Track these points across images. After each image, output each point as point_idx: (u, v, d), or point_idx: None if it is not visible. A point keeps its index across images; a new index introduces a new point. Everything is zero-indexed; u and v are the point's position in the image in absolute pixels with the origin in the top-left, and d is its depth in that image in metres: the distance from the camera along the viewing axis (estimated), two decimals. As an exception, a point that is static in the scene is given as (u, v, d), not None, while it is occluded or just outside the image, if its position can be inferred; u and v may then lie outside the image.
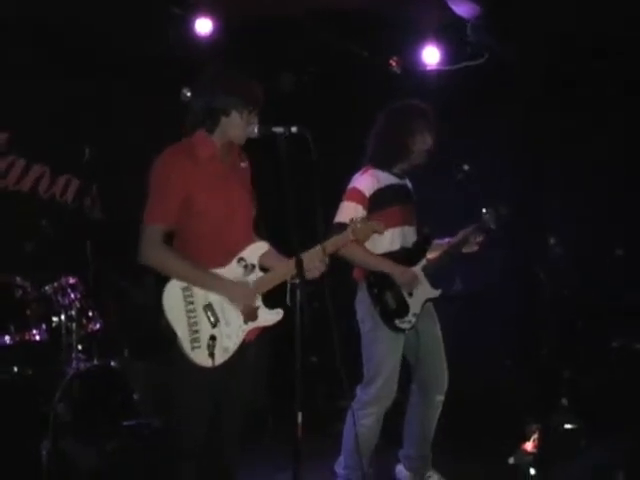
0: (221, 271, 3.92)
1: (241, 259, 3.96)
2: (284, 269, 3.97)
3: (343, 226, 4.62)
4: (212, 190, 3.93)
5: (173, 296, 3.82)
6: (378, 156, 5.10)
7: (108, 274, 6.04)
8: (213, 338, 3.80)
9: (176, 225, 3.92)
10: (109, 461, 5.14)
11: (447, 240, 5.21)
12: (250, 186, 4.15)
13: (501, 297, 7.15)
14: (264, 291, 3.99)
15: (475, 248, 5.18)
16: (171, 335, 3.78)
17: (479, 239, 5.15)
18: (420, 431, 5.20)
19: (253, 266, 3.98)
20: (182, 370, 3.84)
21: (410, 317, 4.97)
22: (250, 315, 3.93)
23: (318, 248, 3.97)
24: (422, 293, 5.04)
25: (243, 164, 4.17)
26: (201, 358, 3.79)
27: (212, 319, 3.85)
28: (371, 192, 4.97)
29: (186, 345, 3.78)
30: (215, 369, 3.81)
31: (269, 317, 4.00)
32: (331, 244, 4.11)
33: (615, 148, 6.95)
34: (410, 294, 4.98)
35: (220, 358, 3.83)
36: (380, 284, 4.95)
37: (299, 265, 3.74)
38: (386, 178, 5.05)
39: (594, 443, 6.06)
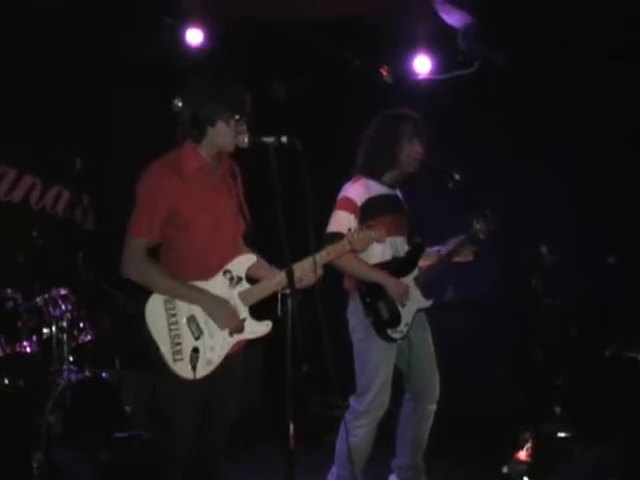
0: (206, 284, 3.91)
1: (227, 271, 3.94)
2: (273, 281, 3.96)
3: (336, 236, 4.65)
4: (198, 203, 3.90)
5: (155, 308, 3.82)
6: (367, 165, 5.09)
7: (99, 285, 6.03)
8: (196, 350, 3.78)
9: (161, 238, 3.91)
10: (101, 473, 5.12)
11: (437, 248, 5.21)
12: (241, 197, 4.12)
13: (494, 305, 7.14)
14: (252, 303, 3.97)
15: (470, 258, 5.18)
16: (154, 347, 3.78)
17: (473, 248, 5.15)
18: (413, 440, 5.19)
19: (240, 278, 3.96)
20: (167, 380, 3.82)
21: (402, 327, 4.96)
22: (236, 328, 3.91)
23: (310, 258, 3.95)
24: (414, 303, 5.04)
25: (234, 175, 4.14)
26: (183, 370, 3.78)
27: (195, 331, 3.84)
28: (362, 201, 4.96)
29: (168, 357, 3.77)
30: (200, 380, 3.80)
31: (257, 329, 3.97)
32: (325, 254, 4.10)
33: (608, 156, 6.96)
34: (403, 304, 4.97)
35: (203, 371, 3.81)
36: (373, 294, 4.94)
37: (290, 276, 3.72)
38: (377, 188, 5.04)
39: (587, 451, 6.05)
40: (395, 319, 4.95)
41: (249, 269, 4.02)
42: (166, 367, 3.77)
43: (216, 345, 3.87)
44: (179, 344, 3.79)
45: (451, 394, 5.20)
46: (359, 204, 4.95)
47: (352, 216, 4.92)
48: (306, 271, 3.94)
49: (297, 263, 3.92)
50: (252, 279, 4.03)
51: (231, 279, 3.95)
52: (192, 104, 3.96)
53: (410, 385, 5.15)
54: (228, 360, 3.91)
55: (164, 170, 3.89)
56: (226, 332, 3.89)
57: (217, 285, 3.93)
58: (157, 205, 3.85)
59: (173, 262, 3.89)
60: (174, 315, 3.82)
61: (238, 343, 3.96)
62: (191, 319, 3.84)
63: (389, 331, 4.93)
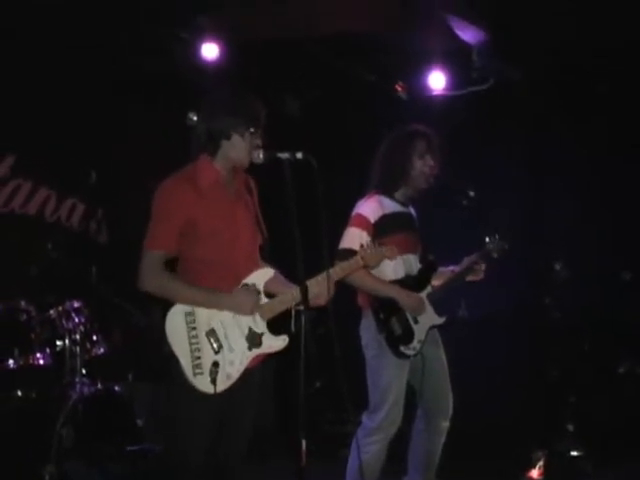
0: None
1: (245, 285, 3.94)
2: (289, 296, 3.94)
3: (348, 252, 4.67)
4: (214, 216, 3.90)
5: (176, 322, 3.80)
6: (381, 182, 5.09)
7: (113, 298, 6.03)
8: (216, 364, 3.77)
9: (178, 252, 3.91)
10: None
11: (451, 268, 5.20)
12: (257, 212, 4.11)
13: (507, 322, 7.13)
14: (269, 317, 3.97)
15: (481, 276, 5.17)
16: (174, 361, 3.77)
17: (484, 267, 5.15)
18: (425, 457, 5.17)
19: (258, 292, 3.95)
20: (187, 394, 3.80)
21: (415, 344, 4.95)
22: (255, 341, 3.91)
23: (324, 275, 3.96)
24: (427, 320, 5.02)
25: (249, 189, 4.14)
26: (203, 384, 3.76)
27: (215, 345, 3.82)
28: (376, 218, 4.95)
29: (188, 371, 3.75)
30: (219, 394, 3.79)
31: (274, 343, 3.96)
32: (339, 270, 4.10)
33: (624, 171, 6.95)
34: (415, 321, 4.97)
35: (222, 385, 3.79)
36: (386, 310, 4.93)
37: (304, 292, 3.72)
38: (390, 205, 5.04)
39: (600, 470, 6.02)
40: (408, 335, 4.94)
41: (266, 283, 4.02)
42: (186, 381, 3.76)
43: (235, 359, 3.85)
44: (199, 358, 3.77)
45: (463, 411, 5.18)
46: (372, 221, 4.94)
47: (365, 233, 4.91)
48: (320, 287, 3.93)
49: (311, 279, 3.92)
50: (269, 294, 4.02)
51: (250, 290, 3.93)
52: (207, 118, 3.97)
53: (423, 402, 5.13)
54: (247, 374, 3.90)
55: (180, 183, 3.90)
56: (245, 346, 3.88)
57: None
58: (173, 217, 3.85)
59: (190, 276, 3.88)
60: (194, 329, 3.80)
61: (257, 357, 3.95)
62: (211, 333, 3.83)
63: (402, 347, 4.92)
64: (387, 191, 5.07)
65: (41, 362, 5.52)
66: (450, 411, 5.12)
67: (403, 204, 5.11)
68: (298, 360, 3.70)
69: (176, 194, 3.87)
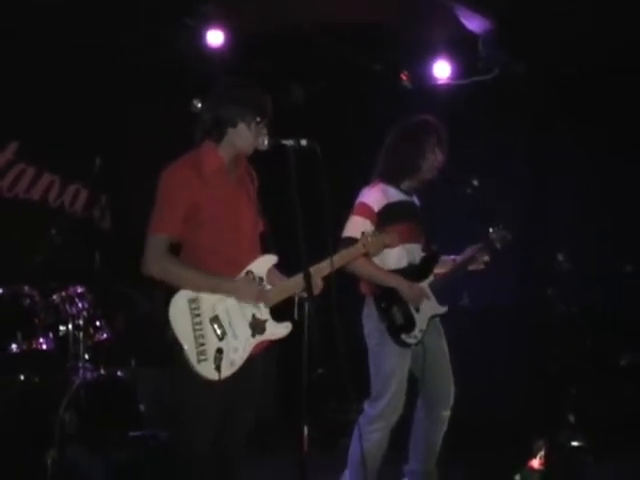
0: None
1: (249, 272, 3.94)
2: (292, 283, 3.96)
3: (351, 240, 4.66)
4: (217, 202, 3.92)
5: (179, 308, 3.80)
6: (388, 171, 5.09)
7: (116, 284, 6.04)
8: (220, 351, 3.77)
9: (181, 237, 3.92)
10: (115, 471, 5.13)
11: (453, 257, 5.21)
12: (257, 200, 4.13)
13: (509, 313, 7.13)
14: (274, 303, 3.97)
15: (481, 267, 5.18)
16: (177, 347, 3.77)
17: (485, 258, 5.15)
18: (426, 446, 5.18)
19: (261, 279, 3.96)
20: (192, 380, 3.81)
21: (417, 332, 4.96)
22: (258, 328, 3.92)
23: (326, 262, 3.96)
24: (428, 309, 5.03)
25: (251, 177, 4.16)
26: (207, 371, 3.77)
27: (219, 332, 3.82)
28: (380, 207, 4.95)
29: (192, 358, 3.76)
30: (222, 381, 3.79)
31: (277, 330, 3.97)
32: (340, 258, 4.11)
33: (627, 164, 6.94)
34: (417, 310, 4.98)
35: (226, 371, 3.80)
36: (388, 299, 4.94)
37: (307, 280, 3.73)
38: (395, 194, 5.04)
39: (601, 460, 6.03)
40: (409, 324, 4.95)
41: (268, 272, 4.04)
42: (190, 367, 3.76)
43: (239, 346, 3.86)
44: (203, 344, 3.77)
45: (465, 401, 5.18)
46: (376, 210, 4.95)
47: (368, 222, 4.92)
48: (321, 275, 3.94)
49: (314, 266, 3.92)
50: (271, 281, 4.04)
51: (253, 279, 3.94)
52: (214, 105, 3.98)
53: (424, 391, 5.14)
54: (250, 362, 3.91)
55: (184, 168, 3.92)
56: (249, 332, 3.89)
57: None
58: (177, 202, 3.87)
59: (193, 263, 3.89)
60: (198, 315, 3.81)
61: (261, 344, 3.96)
62: (214, 319, 3.84)
63: (403, 336, 4.93)
64: (393, 181, 5.06)
65: (44, 347, 5.54)
66: (451, 400, 5.13)
67: (407, 193, 5.11)
68: (301, 348, 3.71)
69: (180, 179, 3.89)
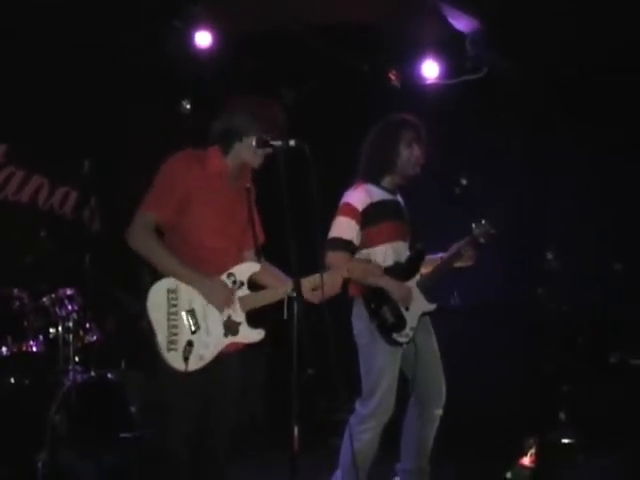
0: None
1: (231, 274, 4.01)
2: (274, 293, 4.04)
3: (337, 241, 4.82)
4: (211, 203, 3.99)
5: (158, 296, 3.88)
6: (367, 170, 5.12)
7: (106, 286, 6.04)
8: (190, 344, 3.86)
9: (168, 224, 3.97)
10: (106, 473, 5.13)
11: (440, 255, 5.22)
12: (256, 212, 4.22)
13: (500, 312, 7.14)
14: (250, 308, 4.04)
15: (470, 263, 5.19)
16: (151, 335, 3.84)
17: (471, 253, 5.16)
18: (417, 445, 5.18)
19: (242, 283, 4.03)
20: (164, 371, 3.87)
21: (408, 331, 4.97)
22: (231, 329, 3.98)
23: (313, 277, 4.00)
24: (418, 307, 5.04)
25: (249, 191, 4.22)
26: (175, 360, 3.84)
27: (192, 325, 3.90)
28: (364, 207, 4.97)
29: (163, 346, 3.83)
30: (197, 374, 3.86)
31: (250, 335, 4.04)
32: (321, 278, 4.05)
33: (615, 162, 6.96)
34: (407, 308, 4.99)
35: (194, 365, 3.87)
36: (377, 299, 4.95)
37: (297, 281, 3.75)
38: (378, 193, 5.05)
39: (592, 458, 6.04)
40: (400, 323, 4.96)
41: (258, 275, 4.10)
42: (160, 356, 3.83)
43: (210, 342, 3.93)
44: (175, 334, 3.85)
45: (455, 399, 5.19)
46: (360, 210, 4.96)
47: (353, 222, 4.95)
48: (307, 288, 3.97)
49: (304, 279, 3.96)
50: (260, 286, 4.11)
51: (234, 282, 4.01)
52: (228, 116, 4.05)
53: (416, 390, 5.15)
54: (222, 359, 3.97)
55: (189, 158, 4.02)
56: (221, 332, 3.96)
57: None
58: (173, 185, 3.95)
59: (174, 252, 3.94)
60: (175, 305, 3.88)
61: (233, 345, 4.03)
62: (191, 312, 3.91)
63: (394, 335, 4.94)
64: (373, 179, 5.09)
65: (34, 349, 5.53)
66: (443, 399, 5.14)
67: (391, 192, 5.13)
68: (291, 348, 3.71)
69: (182, 166, 3.99)
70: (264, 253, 4.22)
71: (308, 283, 4.00)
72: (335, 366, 3.77)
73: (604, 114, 6.92)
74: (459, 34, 6.93)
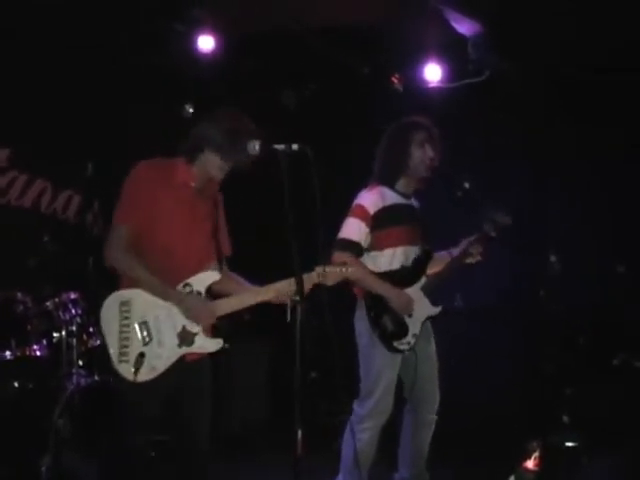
0: None
1: (187, 284, 4.02)
2: (227, 304, 4.06)
3: (345, 242, 4.84)
4: (174, 213, 4.03)
5: (110, 309, 3.94)
6: (381, 172, 5.13)
7: (109, 290, 6.03)
8: (142, 355, 3.90)
9: (137, 232, 3.99)
10: (109, 477, 5.13)
11: (449, 251, 5.21)
12: (221, 225, 4.24)
13: (502, 314, 7.14)
14: (218, 315, 4.06)
15: (478, 259, 5.18)
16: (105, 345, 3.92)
17: (480, 249, 5.15)
18: (414, 452, 5.19)
19: (199, 293, 4.03)
20: (122, 381, 3.92)
21: (409, 338, 4.97)
22: (186, 339, 3.99)
23: (287, 282, 3.99)
24: (422, 311, 5.04)
25: (216, 203, 4.24)
26: (126, 372, 3.89)
27: (145, 337, 3.93)
28: (375, 210, 4.98)
29: (114, 357, 3.90)
30: (158, 381, 3.91)
31: (207, 345, 4.06)
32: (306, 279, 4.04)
33: (617, 164, 6.96)
34: (409, 315, 4.99)
35: (145, 375, 3.90)
36: (377, 307, 4.96)
37: (299, 283, 3.74)
38: (392, 196, 5.06)
39: (596, 460, 6.04)
40: (401, 331, 4.96)
41: (222, 284, 4.13)
42: (112, 365, 3.90)
43: (163, 353, 3.96)
44: (126, 347, 3.90)
45: (458, 402, 5.20)
46: (371, 213, 4.97)
47: (363, 224, 4.96)
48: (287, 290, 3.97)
49: (278, 283, 4.02)
50: (225, 295, 4.13)
51: (190, 292, 4.02)
52: (201, 128, 4.08)
53: (411, 395, 5.16)
54: (192, 367, 4.03)
55: (154, 167, 4.09)
56: (175, 343, 3.98)
57: None
58: (139, 193, 4.00)
59: (137, 256, 3.99)
60: (127, 318, 3.93)
61: (190, 355, 4.04)
62: (143, 325, 3.95)
63: (395, 343, 4.95)
64: (387, 182, 5.10)
65: (38, 353, 5.54)
66: (436, 405, 5.16)
67: (405, 196, 5.13)
68: (294, 351, 3.71)
69: (147, 175, 4.04)
70: (237, 260, 4.27)
71: (281, 287, 4.02)
72: (337, 368, 3.78)
73: (604, 114, 6.91)
74: (461, 37, 6.92)
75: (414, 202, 5.22)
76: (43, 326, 5.62)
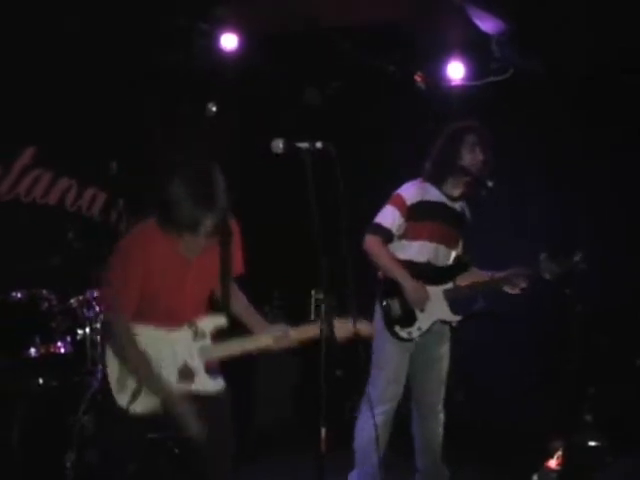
0: (171, 333, 3.93)
1: (193, 325, 3.96)
2: (234, 347, 4.00)
3: (377, 227, 5.04)
4: (166, 272, 3.90)
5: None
6: (429, 172, 5.24)
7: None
8: (139, 390, 3.84)
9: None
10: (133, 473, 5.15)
11: (491, 273, 5.23)
12: (230, 258, 4.03)
13: (526, 313, 7.11)
14: (210, 359, 3.98)
15: (517, 292, 5.20)
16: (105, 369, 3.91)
17: (524, 285, 5.16)
18: (425, 445, 5.24)
19: (204, 334, 3.97)
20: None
21: (414, 329, 5.03)
22: (186, 376, 3.93)
23: (308, 327, 3.95)
24: (436, 312, 5.09)
25: (228, 233, 4.02)
26: (122, 400, 3.85)
27: None
28: (413, 202, 5.10)
29: (113, 384, 3.87)
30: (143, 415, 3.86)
31: (207, 385, 3.97)
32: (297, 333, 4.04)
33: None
34: (422, 309, 5.02)
35: (139, 407, 3.85)
36: (390, 290, 5.04)
37: (324, 280, 3.68)
38: (435, 194, 5.17)
39: (619, 460, 6.01)
40: (408, 319, 5.01)
41: (242, 316, 4.10)
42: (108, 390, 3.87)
43: None
44: (125, 378, 3.86)
45: (481, 402, 5.20)
46: (408, 204, 5.09)
47: (398, 213, 5.08)
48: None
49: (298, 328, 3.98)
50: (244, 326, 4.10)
51: (195, 333, 3.96)
52: (159, 186, 3.93)
53: (413, 390, 5.27)
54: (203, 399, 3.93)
55: (142, 241, 3.94)
56: (175, 378, 3.92)
57: (181, 335, 3.96)
58: (131, 274, 3.87)
59: (142, 308, 3.92)
60: None
61: (188, 393, 3.92)
62: None
63: (396, 328, 5.04)
64: (435, 180, 5.20)
65: (62, 351, 5.55)
66: (440, 405, 5.22)
67: (450, 198, 5.20)
68: (319, 349, 3.71)
69: (136, 251, 3.90)
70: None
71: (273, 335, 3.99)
72: (364, 369, 3.78)
73: (630, 114, 6.88)
74: (484, 35, 6.91)
75: (460, 207, 5.26)
76: (67, 323, 5.63)
